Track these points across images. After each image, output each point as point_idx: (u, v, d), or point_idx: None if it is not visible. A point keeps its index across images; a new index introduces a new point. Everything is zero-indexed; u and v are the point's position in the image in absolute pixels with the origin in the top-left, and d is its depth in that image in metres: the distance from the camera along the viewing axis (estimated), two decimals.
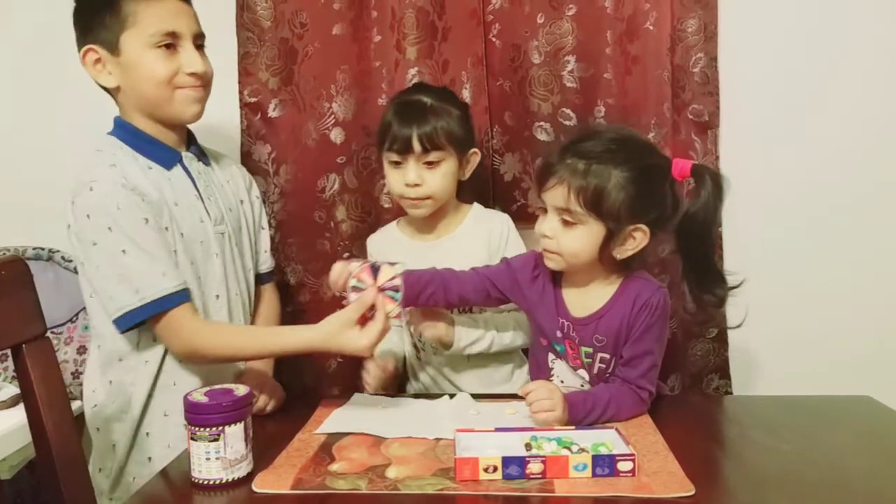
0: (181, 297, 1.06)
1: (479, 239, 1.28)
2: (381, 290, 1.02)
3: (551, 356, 1.14)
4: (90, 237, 1.05)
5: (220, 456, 0.85)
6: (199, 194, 1.17)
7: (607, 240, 1.02)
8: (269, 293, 1.36)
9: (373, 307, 1.01)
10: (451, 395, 1.13)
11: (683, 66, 1.43)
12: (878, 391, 1.12)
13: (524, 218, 1.39)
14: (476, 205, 1.35)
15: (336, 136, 1.47)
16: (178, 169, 1.17)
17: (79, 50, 1.12)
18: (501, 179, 1.49)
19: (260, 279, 1.33)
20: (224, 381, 1.11)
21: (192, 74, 1.12)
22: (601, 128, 1.22)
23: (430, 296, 1.13)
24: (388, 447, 0.94)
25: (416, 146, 1.20)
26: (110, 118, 1.17)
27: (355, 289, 1.03)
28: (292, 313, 1.50)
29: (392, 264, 1.03)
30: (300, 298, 1.51)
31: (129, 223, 1.05)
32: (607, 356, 1.08)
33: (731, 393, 1.44)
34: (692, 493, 0.80)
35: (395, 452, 0.93)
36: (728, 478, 0.88)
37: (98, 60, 1.11)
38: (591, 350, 1.09)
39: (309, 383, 1.49)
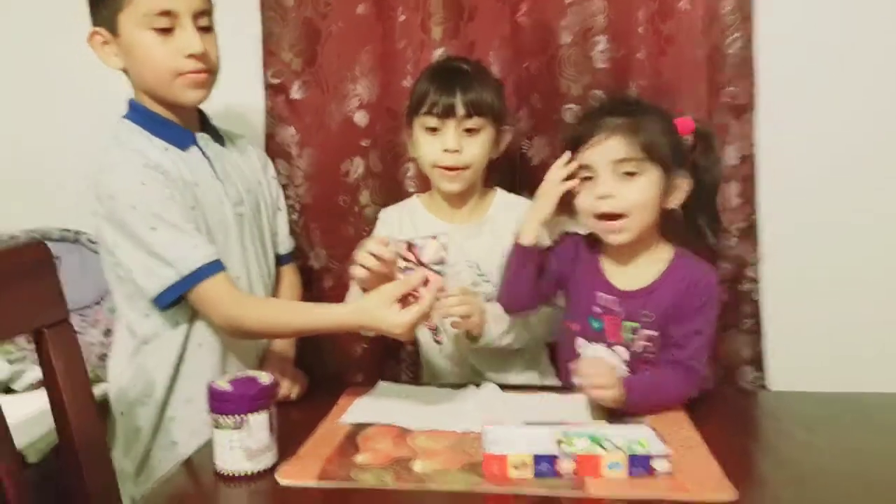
0: (217, 266, 1.05)
1: (508, 228, 1.22)
2: (426, 266, 0.98)
3: (580, 342, 1.11)
4: (118, 217, 1.04)
5: (244, 445, 0.84)
6: (217, 175, 1.15)
7: (663, 189, 1.04)
8: (290, 274, 1.34)
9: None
10: (477, 384, 1.10)
11: (719, 48, 1.37)
12: None
13: None
14: (499, 190, 1.30)
15: (360, 118, 1.43)
16: (193, 150, 1.14)
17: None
18: (528, 163, 1.44)
19: (280, 260, 1.31)
20: (247, 367, 1.10)
21: (191, 56, 1.06)
22: (614, 96, 1.29)
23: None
24: (414, 439, 0.93)
25: (460, 109, 1.16)
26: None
27: (404, 270, 0.99)
28: (316, 299, 1.44)
29: (432, 238, 1.00)
30: (324, 284, 1.48)
31: (155, 200, 1.03)
32: (653, 334, 1.06)
33: (765, 386, 1.39)
34: (734, 498, 0.76)
35: (422, 445, 0.91)
36: (769, 480, 0.83)
37: (105, 42, 1.09)
38: (636, 325, 1.06)
39: (332, 370, 1.47)
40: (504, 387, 1.10)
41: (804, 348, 1.39)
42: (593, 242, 1.13)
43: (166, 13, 1.04)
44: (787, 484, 0.81)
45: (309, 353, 1.32)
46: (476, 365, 1.25)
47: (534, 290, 1.13)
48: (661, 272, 1.07)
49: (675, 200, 1.07)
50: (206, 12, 1.09)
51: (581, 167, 1.07)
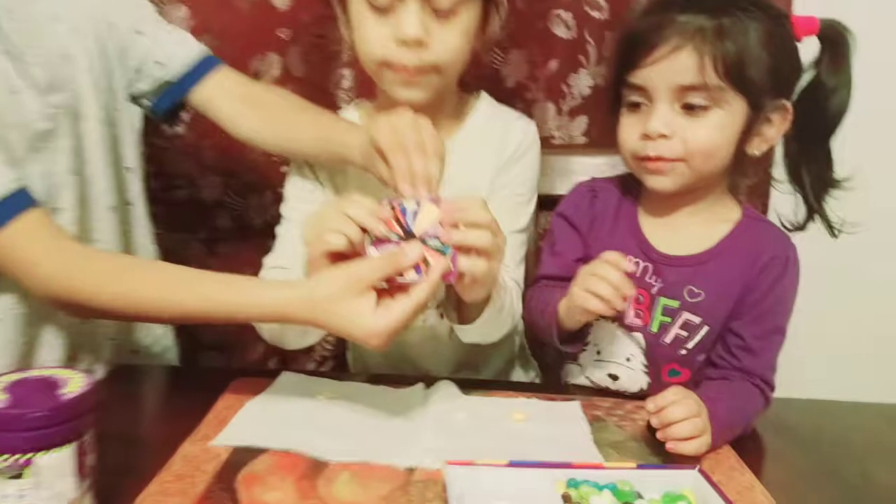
0: (23, 199, 0.67)
1: (490, 144, 0.87)
2: (421, 240, 0.64)
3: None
4: None
5: (28, 502, 0.48)
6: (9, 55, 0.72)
7: (747, 128, 0.73)
8: (230, 78, 0.88)
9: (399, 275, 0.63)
10: (427, 383, 0.76)
11: None
12: None
13: None
14: (485, 95, 0.93)
15: None
16: None
17: None
18: (502, 84, 1.13)
19: (193, 77, 0.86)
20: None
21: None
22: None
23: None
24: (330, 481, 0.58)
25: None
26: None
27: (378, 243, 0.64)
28: (205, 242, 1.12)
29: (434, 200, 0.64)
30: (218, 222, 1.12)
31: None
32: (696, 322, 0.77)
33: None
34: None
35: (343, 493, 0.57)
36: None
37: None
38: (675, 305, 0.78)
39: (217, 339, 1.13)
40: (466, 383, 0.77)
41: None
42: (628, 187, 0.84)
43: None
44: None
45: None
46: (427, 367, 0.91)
47: None
48: (722, 237, 0.78)
49: (763, 143, 0.76)
50: None
51: (629, 87, 0.75)
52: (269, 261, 0.84)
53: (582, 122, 1.15)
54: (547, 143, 1.09)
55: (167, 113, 0.88)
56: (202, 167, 1.10)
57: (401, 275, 0.62)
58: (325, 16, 1.07)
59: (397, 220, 0.63)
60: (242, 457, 0.61)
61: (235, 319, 0.67)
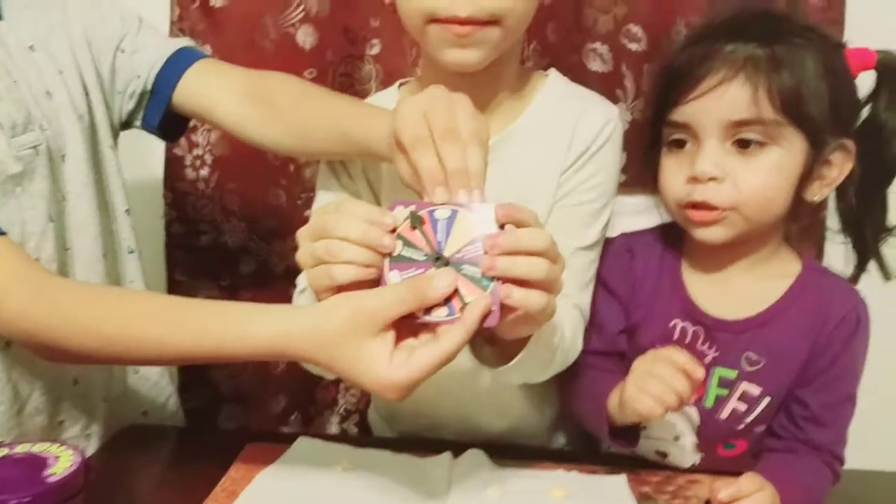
0: None
1: (560, 134, 0.71)
2: (455, 264, 0.52)
3: None
4: None
5: None
6: None
7: (807, 170, 0.66)
8: (223, 72, 0.78)
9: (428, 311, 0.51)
10: (455, 453, 0.69)
11: None
12: None
13: None
14: (556, 73, 0.77)
15: (304, 37, 1.04)
16: None
17: None
18: None
19: (169, 74, 0.76)
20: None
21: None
22: (743, 10, 0.72)
23: None
24: None
25: None
26: None
27: (398, 262, 0.52)
28: (230, 287, 1.09)
29: (473, 208, 0.51)
30: (241, 269, 1.09)
31: None
32: (756, 393, 0.69)
33: None
34: None
35: None
36: None
37: None
38: (733, 375, 0.70)
39: (233, 388, 1.08)
40: (495, 451, 0.69)
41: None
42: (670, 239, 0.75)
43: None
44: None
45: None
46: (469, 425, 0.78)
47: None
48: (781, 294, 0.70)
49: (825, 188, 0.68)
50: None
51: (670, 125, 0.69)
52: (301, 280, 0.73)
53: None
54: None
55: (163, 127, 0.78)
56: (225, 212, 1.07)
57: (427, 311, 0.50)
58: (351, 55, 1.06)
59: (425, 233, 0.51)
60: None
61: (221, 357, 0.56)
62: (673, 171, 0.69)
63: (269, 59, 1.04)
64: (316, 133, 0.69)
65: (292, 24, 1.04)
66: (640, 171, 0.83)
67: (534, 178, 0.71)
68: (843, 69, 0.67)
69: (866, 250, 0.71)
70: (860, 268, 0.72)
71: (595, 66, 1.07)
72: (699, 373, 0.61)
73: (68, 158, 0.71)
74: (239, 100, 0.73)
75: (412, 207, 0.51)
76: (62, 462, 0.47)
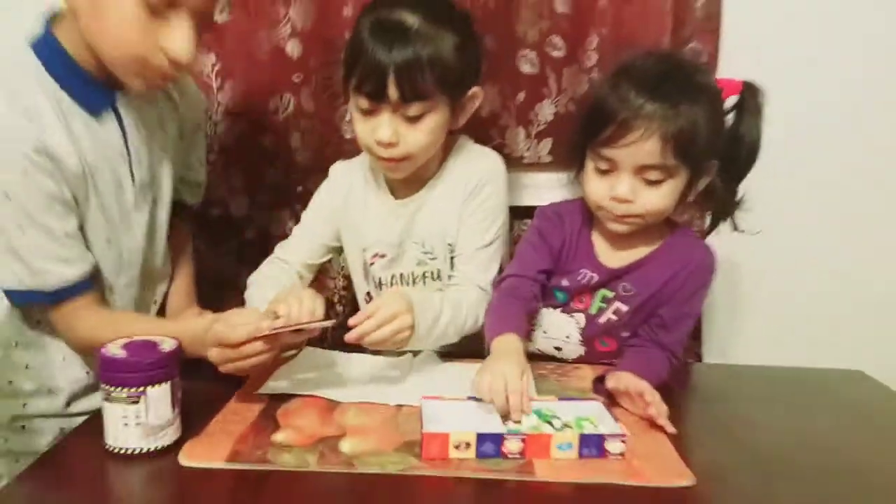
0: (83, 286, 0.89)
1: (461, 179, 1.03)
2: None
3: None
4: None
5: (141, 421, 0.71)
6: (127, 149, 0.94)
7: (687, 187, 0.92)
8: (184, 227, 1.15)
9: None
10: (415, 353, 1.00)
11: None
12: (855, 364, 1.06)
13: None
14: (465, 139, 1.08)
15: (292, 48, 1.27)
16: (108, 116, 0.91)
17: None
18: (479, 113, 1.29)
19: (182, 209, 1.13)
20: None
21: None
22: (649, 59, 0.94)
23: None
24: (342, 414, 0.82)
25: (393, 93, 0.90)
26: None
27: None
28: (237, 249, 1.34)
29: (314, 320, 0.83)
30: (246, 234, 1.34)
31: (33, 195, 0.83)
32: (625, 309, 0.97)
33: (699, 356, 1.35)
34: (693, 483, 0.70)
35: (351, 421, 0.80)
36: (725, 463, 0.77)
37: None
38: (610, 295, 0.97)
39: None
40: (444, 355, 1.01)
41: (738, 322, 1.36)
42: (586, 212, 1.00)
43: None
44: (744, 467, 0.76)
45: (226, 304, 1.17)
46: None
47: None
48: (652, 249, 0.97)
49: (696, 192, 0.94)
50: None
51: (599, 157, 0.91)
52: (277, 250, 1.10)
53: (547, 143, 1.32)
54: (518, 163, 1.28)
55: None
56: (231, 189, 1.32)
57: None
58: (331, 61, 1.26)
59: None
60: (279, 401, 0.85)
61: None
62: (598, 187, 0.92)
63: (263, 65, 1.26)
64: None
65: (282, 37, 1.25)
66: (565, 156, 1.08)
67: (450, 206, 1.03)
68: (721, 110, 0.91)
69: (720, 218, 0.97)
70: (713, 227, 0.99)
71: (526, 69, 1.29)
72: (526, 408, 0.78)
73: (163, 204, 1.04)
74: None
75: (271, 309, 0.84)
76: (166, 345, 0.75)
